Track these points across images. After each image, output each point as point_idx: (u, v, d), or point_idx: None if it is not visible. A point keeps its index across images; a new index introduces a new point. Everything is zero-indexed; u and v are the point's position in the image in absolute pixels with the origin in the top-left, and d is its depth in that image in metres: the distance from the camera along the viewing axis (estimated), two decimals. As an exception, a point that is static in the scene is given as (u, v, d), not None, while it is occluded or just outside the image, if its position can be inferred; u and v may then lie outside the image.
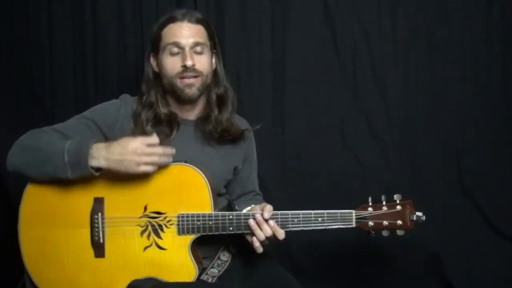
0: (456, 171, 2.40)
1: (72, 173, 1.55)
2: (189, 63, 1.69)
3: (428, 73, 2.39)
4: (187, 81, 1.72)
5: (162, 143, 1.70)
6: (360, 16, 2.39)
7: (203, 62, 1.74)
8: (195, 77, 1.73)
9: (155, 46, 1.77)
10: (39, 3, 2.50)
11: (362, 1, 2.39)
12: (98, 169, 1.56)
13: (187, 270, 1.61)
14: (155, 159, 1.56)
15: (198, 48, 1.73)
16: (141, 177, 1.62)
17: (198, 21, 1.76)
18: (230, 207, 1.84)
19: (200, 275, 1.66)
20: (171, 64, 1.73)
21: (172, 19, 1.75)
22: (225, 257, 1.78)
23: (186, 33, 1.72)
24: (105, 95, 2.33)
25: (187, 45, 1.71)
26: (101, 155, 1.55)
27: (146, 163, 1.54)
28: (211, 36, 1.80)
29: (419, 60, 2.39)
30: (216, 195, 1.69)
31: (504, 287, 2.30)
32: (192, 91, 1.74)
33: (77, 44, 2.51)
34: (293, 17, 2.41)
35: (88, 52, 2.50)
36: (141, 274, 1.62)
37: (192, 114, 1.82)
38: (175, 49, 1.72)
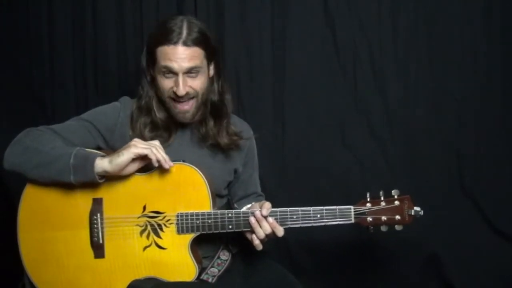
0: (456, 171, 2.39)
1: (75, 177, 1.54)
2: (181, 92, 1.64)
3: (428, 73, 2.39)
4: (180, 107, 1.69)
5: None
6: (360, 16, 2.38)
7: (197, 84, 1.68)
8: (190, 98, 1.68)
9: (151, 57, 1.70)
10: (39, 3, 2.50)
11: (362, 1, 2.39)
12: (102, 177, 1.57)
13: (187, 269, 1.61)
14: (151, 149, 1.56)
15: (192, 71, 1.66)
16: (140, 178, 1.63)
17: (194, 43, 1.64)
18: (229, 206, 1.84)
19: (200, 274, 1.66)
20: (165, 87, 1.67)
21: (167, 41, 1.63)
22: (225, 256, 1.78)
23: (179, 58, 1.63)
24: (105, 96, 2.35)
25: (180, 71, 1.63)
26: (105, 160, 1.55)
27: (143, 147, 1.55)
28: (209, 53, 1.70)
29: (419, 60, 2.39)
30: (215, 194, 1.69)
31: (504, 287, 2.30)
32: (186, 117, 1.71)
33: (77, 44, 2.51)
34: (293, 17, 2.41)
35: (88, 52, 2.50)
36: (141, 274, 1.62)
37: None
38: (168, 73, 1.65)
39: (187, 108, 1.69)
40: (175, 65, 1.63)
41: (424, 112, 2.40)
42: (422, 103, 2.40)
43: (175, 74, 1.64)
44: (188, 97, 1.67)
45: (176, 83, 1.65)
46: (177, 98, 1.67)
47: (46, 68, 2.52)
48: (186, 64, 1.64)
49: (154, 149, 1.55)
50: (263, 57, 2.43)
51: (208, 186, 1.61)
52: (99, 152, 1.60)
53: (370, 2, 2.38)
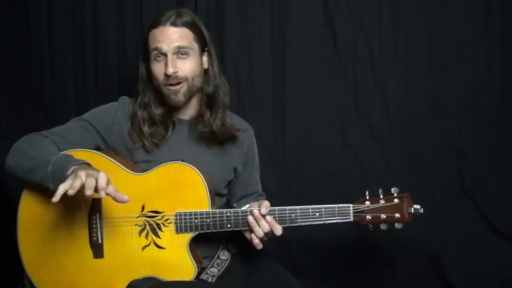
0: (456, 171, 2.39)
1: (53, 185, 1.51)
2: (170, 71, 1.66)
3: (428, 73, 2.38)
4: (172, 88, 1.70)
5: (158, 143, 1.71)
6: (360, 16, 2.38)
7: (187, 67, 1.70)
8: (179, 83, 1.70)
9: (145, 49, 1.75)
10: (39, 3, 2.51)
11: (362, 1, 2.38)
12: None
13: (186, 269, 1.61)
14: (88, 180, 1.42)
15: (182, 53, 1.69)
16: (138, 177, 1.63)
17: (183, 24, 1.70)
18: (228, 205, 1.84)
19: (199, 274, 1.66)
20: (156, 71, 1.71)
21: (156, 23, 1.70)
22: (224, 256, 1.78)
23: (168, 38, 1.68)
24: (105, 96, 2.35)
25: (169, 50, 1.67)
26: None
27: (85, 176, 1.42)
28: (199, 37, 1.75)
29: (419, 60, 2.38)
30: (215, 193, 1.69)
31: (504, 287, 2.29)
32: (178, 98, 1.72)
33: (77, 44, 2.51)
34: (293, 17, 2.40)
35: (88, 52, 2.50)
36: (140, 274, 1.62)
37: (187, 113, 1.81)
38: (159, 55, 1.69)
39: (177, 88, 1.70)
40: (163, 45, 1.67)
41: (424, 112, 2.39)
42: (422, 103, 2.39)
43: (164, 55, 1.68)
44: (177, 79, 1.69)
45: (165, 63, 1.68)
46: (167, 81, 1.69)
47: (46, 68, 2.52)
48: (175, 43, 1.68)
49: (78, 182, 1.40)
50: (263, 57, 2.43)
51: (206, 186, 1.61)
52: (80, 159, 1.56)
53: (370, 2, 2.37)
